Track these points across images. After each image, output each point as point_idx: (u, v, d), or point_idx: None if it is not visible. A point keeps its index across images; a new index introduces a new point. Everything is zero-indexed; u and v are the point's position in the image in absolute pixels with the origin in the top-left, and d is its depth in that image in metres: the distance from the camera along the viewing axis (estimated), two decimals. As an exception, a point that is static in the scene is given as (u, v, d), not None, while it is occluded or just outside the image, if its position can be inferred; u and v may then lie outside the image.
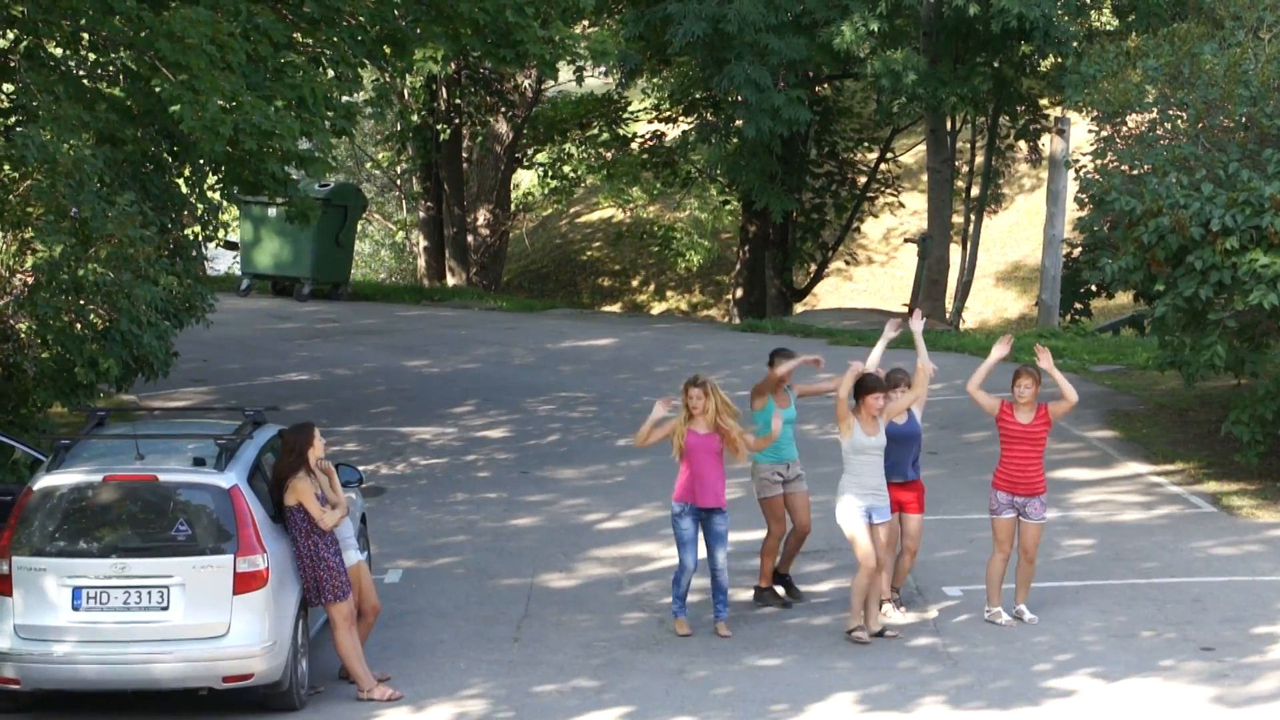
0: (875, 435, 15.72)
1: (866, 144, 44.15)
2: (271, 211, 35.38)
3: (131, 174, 20.48)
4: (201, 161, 21.77)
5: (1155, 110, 21.72)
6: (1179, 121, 21.27)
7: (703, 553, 15.87)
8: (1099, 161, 21.91)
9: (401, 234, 52.12)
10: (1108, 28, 33.86)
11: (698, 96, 39.63)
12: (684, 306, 49.70)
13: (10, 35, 21.42)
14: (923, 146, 41.65)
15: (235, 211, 37.07)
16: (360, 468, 17.37)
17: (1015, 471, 16.08)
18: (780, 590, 16.89)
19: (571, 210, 54.65)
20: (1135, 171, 20.92)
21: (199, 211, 22.53)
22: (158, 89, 19.40)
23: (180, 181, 22.59)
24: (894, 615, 16.12)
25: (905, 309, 37.40)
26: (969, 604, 16.59)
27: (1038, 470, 16.16)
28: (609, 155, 46.11)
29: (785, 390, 16.69)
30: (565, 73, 42.15)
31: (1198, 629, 15.92)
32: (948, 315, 37.45)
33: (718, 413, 15.72)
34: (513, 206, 48.18)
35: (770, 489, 16.67)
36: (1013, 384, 16.16)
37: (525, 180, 52.85)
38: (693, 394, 15.74)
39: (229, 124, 19.09)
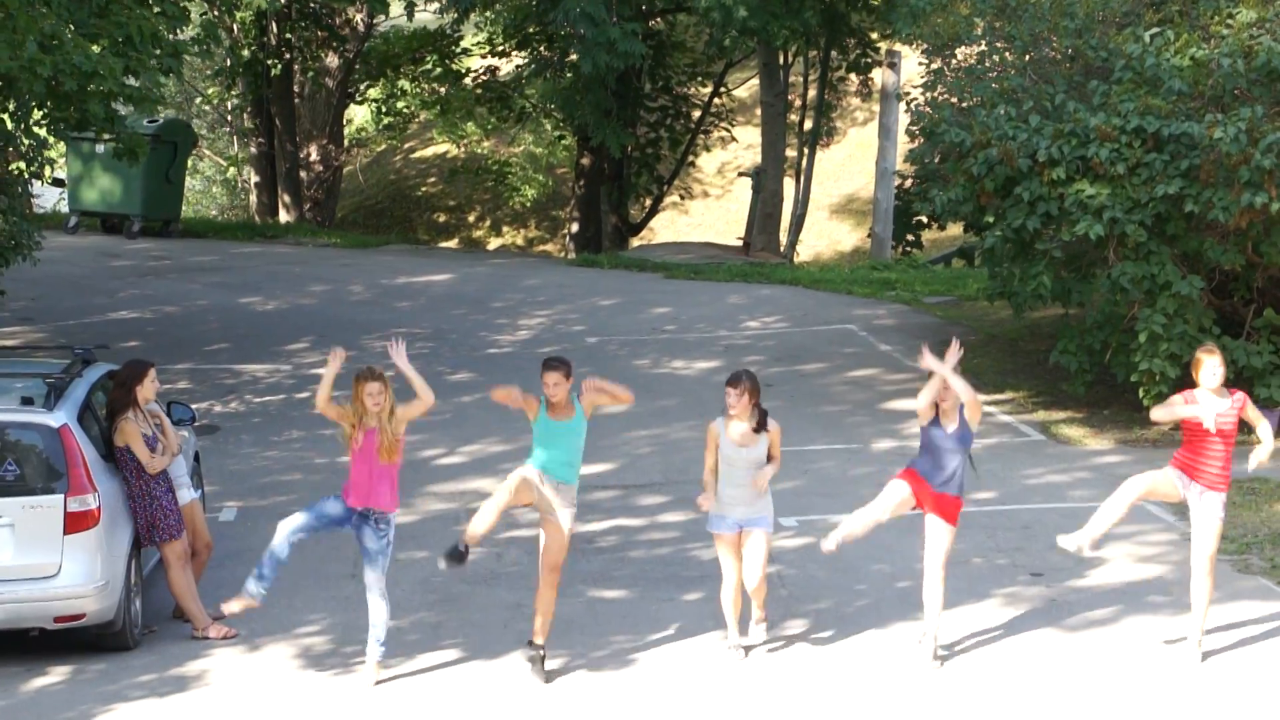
0: (745, 448, 13.52)
1: (700, 78, 44.22)
2: (100, 148, 34.86)
3: (-48, 110, 20.10)
4: (26, 98, 21.38)
5: (984, 43, 21.95)
6: (1007, 54, 21.50)
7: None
8: (929, 94, 22.12)
9: (233, 170, 51.53)
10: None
11: (531, 31, 39.46)
12: (520, 242, 49.61)
13: None
14: (756, 80, 41.79)
15: (62, 148, 36.52)
16: (193, 406, 17.20)
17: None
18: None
19: (405, 146, 54.31)
20: (965, 104, 21.13)
21: (24, 148, 22.15)
22: (-27, 26, 19.01)
23: (5, 118, 22.19)
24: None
25: (740, 242, 37.58)
26: (804, 533, 16.74)
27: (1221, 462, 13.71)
28: (443, 90, 45.85)
29: (571, 399, 13.45)
30: (396, 7, 41.93)
31: (1027, 555, 16.18)
32: (782, 249, 37.68)
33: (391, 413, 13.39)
34: (346, 142, 47.81)
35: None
36: (1199, 368, 13.66)
37: (359, 116, 52.44)
38: (370, 389, 13.30)
39: (48, 65, 18.73)
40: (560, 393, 13.35)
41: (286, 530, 13.48)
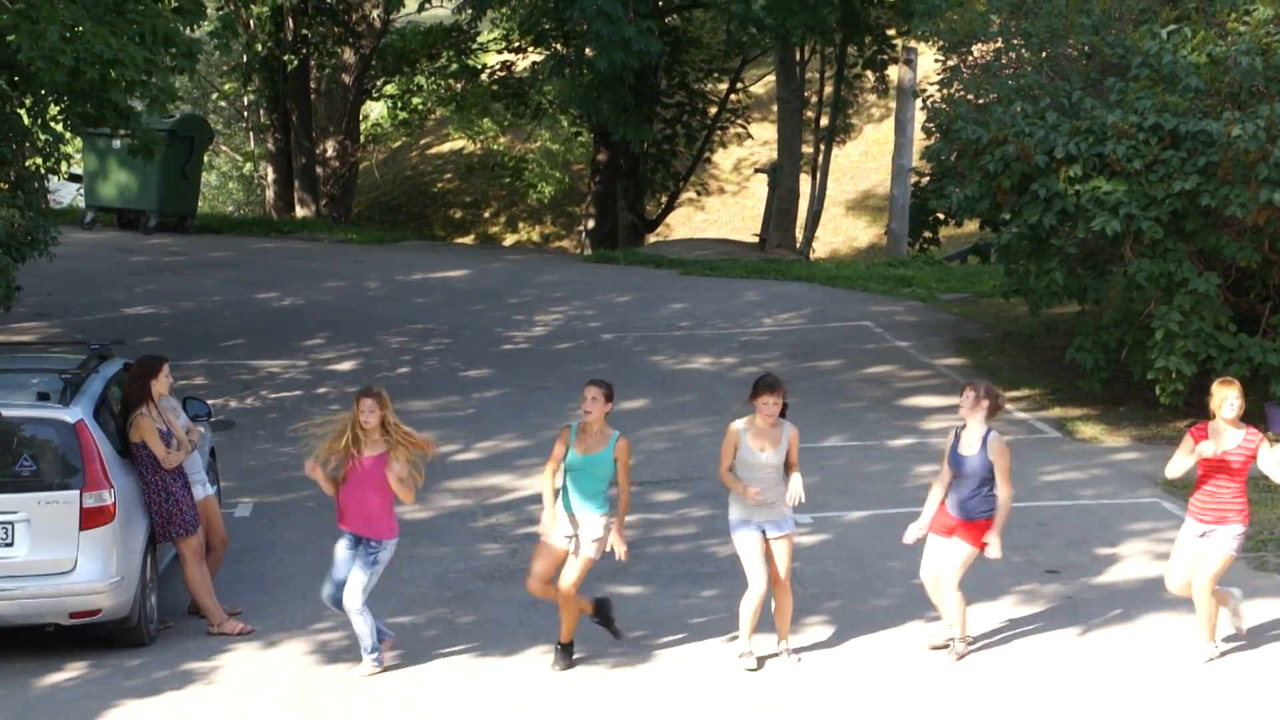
0: (765, 452, 13.36)
1: (716, 74, 44.19)
2: (116, 143, 34.88)
3: (-31, 105, 20.10)
4: (44, 92, 21.40)
5: (1000, 40, 21.90)
6: (1023, 51, 21.47)
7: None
8: (945, 91, 22.07)
9: (249, 166, 51.59)
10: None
11: (548, 27, 39.44)
12: (536, 238, 49.61)
13: None
14: (772, 77, 41.75)
15: (79, 143, 36.57)
16: (209, 401, 17.21)
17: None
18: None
19: (422, 142, 54.33)
20: (981, 101, 21.09)
21: (41, 143, 22.17)
22: (-6, 18, 19.03)
23: (22, 113, 22.21)
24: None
25: (756, 239, 37.56)
26: (819, 530, 16.73)
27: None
28: (459, 87, 45.85)
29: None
30: (412, 3, 41.92)
31: (1043, 552, 16.14)
32: (798, 245, 37.65)
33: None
34: (362, 138, 47.83)
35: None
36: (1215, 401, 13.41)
37: (374, 112, 52.49)
38: (364, 405, 13.49)
39: (69, 54, 18.75)
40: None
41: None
